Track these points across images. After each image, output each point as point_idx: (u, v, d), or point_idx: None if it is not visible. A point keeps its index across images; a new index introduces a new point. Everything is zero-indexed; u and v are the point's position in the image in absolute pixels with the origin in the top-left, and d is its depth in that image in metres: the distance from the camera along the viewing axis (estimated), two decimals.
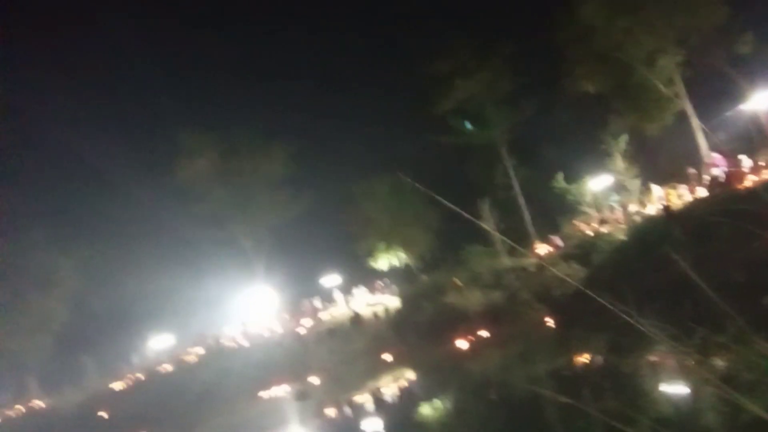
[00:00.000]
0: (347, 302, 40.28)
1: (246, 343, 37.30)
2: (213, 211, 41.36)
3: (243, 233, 42.14)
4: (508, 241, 33.71)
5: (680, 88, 32.12)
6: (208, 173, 40.78)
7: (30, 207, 39.88)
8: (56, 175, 43.83)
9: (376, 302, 38.72)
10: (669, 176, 31.41)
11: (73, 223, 41.45)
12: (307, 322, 38.49)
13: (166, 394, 31.86)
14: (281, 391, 30.72)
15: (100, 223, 41.91)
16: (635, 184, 34.00)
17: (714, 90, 32.17)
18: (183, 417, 28.53)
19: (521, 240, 36.99)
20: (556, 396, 8.32)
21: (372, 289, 41.29)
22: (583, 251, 29.22)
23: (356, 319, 36.52)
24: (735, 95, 31.29)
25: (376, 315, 36.59)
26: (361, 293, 40.86)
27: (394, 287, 40.58)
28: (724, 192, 24.34)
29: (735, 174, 25.63)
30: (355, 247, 41.76)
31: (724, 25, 30.03)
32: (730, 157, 27.77)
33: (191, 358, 37.57)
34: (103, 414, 32.83)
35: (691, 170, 30.07)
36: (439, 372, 25.70)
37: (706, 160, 30.15)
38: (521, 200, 39.89)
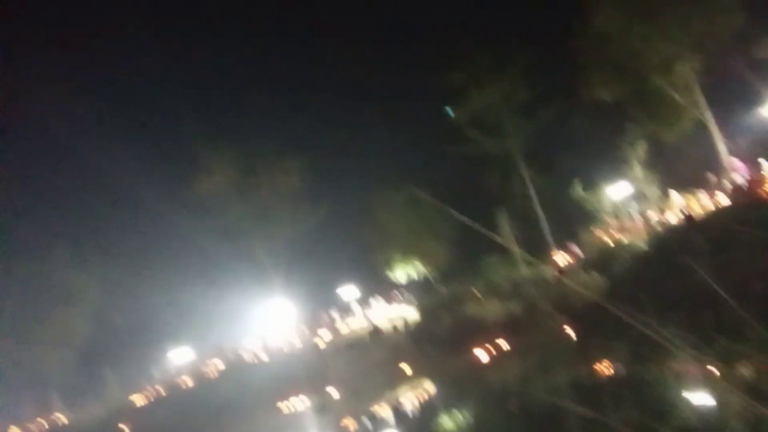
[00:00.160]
0: (365, 314, 40.26)
1: (263, 355, 37.42)
2: (231, 224, 41.63)
3: (261, 246, 42.32)
4: (525, 253, 33.46)
5: (698, 94, 31.81)
6: (227, 187, 41.09)
7: (52, 224, 40.63)
8: (78, 192, 44.51)
9: (394, 314, 38.65)
10: (689, 183, 31.06)
11: (94, 239, 42.08)
12: (325, 335, 38.51)
13: (186, 407, 32.01)
14: (300, 403, 30.71)
15: (120, 238, 42.54)
16: (654, 191, 33.66)
17: (732, 95, 31.85)
18: (203, 430, 28.63)
19: (539, 249, 36.72)
20: (577, 407, 8.24)
21: (390, 301, 41.25)
22: (602, 260, 28.96)
23: (375, 331, 36.47)
24: (754, 100, 30.95)
25: (394, 327, 36.51)
26: (379, 305, 40.81)
27: (412, 298, 40.50)
28: (746, 199, 24.02)
29: (756, 180, 25.29)
30: (372, 258, 41.74)
31: (741, 31, 29.75)
32: (751, 162, 27.42)
33: (211, 371, 37.75)
34: (124, 428, 33.04)
35: (711, 177, 29.72)
36: (459, 383, 25.52)
37: (726, 166, 29.79)
38: (539, 209, 39.60)
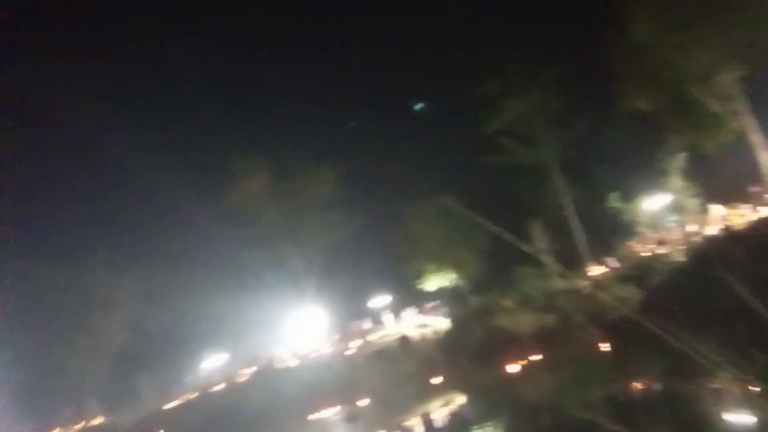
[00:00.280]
0: (397, 324, 40.18)
1: (295, 363, 37.62)
2: (265, 233, 42.10)
3: (294, 255, 42.65)
4: (559, 265, 32.96)
5: (740, 104, 30.98)
6: (260, 196, 41.58)
7: (92, 233, 41.71)
8: (117, 202, 45.59)
9: (426, 324, 38.48)
10: (730, 195, 30.25)
11: (132, 248, 43.00)
12: (356, 344, 38.54)
13: (218, 414, 32.36)
14: (331, 413, 30.74)
15: (158, 247, 43.38)
16: (694, 203, 32.87)
17: None
18: None
19: (574, 261, 36.16)
20: (612, 424, 8.06)
21: (421, 311, 41.09)
22: (639, 273, 28.37)
23: (405, 340, 36.34)
24: None
25: (425, 337, 36.33)
26: (410, 315, 40.69)
27: (444, 309, 40.26)
28: None
29: None
30: (404, 268, 41.65)
31: None
32: None
33: (243, 378, 38.09)
34: None
35: (754, 188, 28.88)
36: (490, 396, 25.23)
37: None
38: (574, 220, 39.02)
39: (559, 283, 32.29)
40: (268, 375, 36.82)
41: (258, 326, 41.29)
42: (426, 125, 46.67)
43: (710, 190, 32.86)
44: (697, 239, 28.83)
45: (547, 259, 32.57)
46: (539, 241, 33.67)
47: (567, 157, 39.55)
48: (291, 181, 42.13)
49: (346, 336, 40.47)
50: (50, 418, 38.16)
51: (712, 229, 28.77)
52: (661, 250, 30.29)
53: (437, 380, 30.84)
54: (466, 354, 31.02)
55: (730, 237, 23.67)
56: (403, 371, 33.11)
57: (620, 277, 29.41)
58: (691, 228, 31.25)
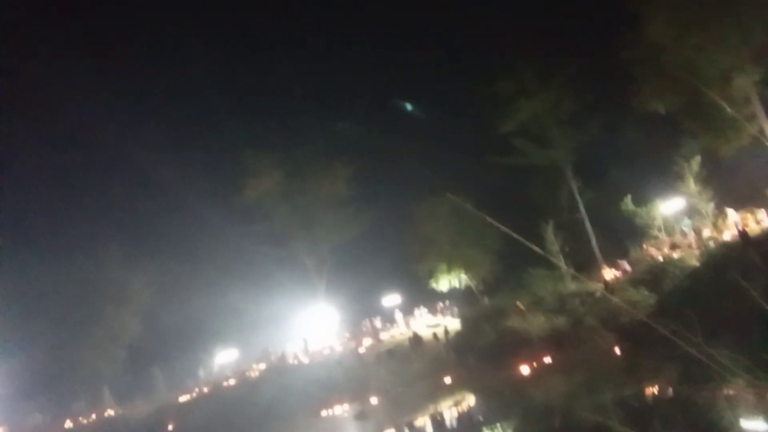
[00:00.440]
0: (407, 323, 40.22)
1: (306, 360, 37.79)
2: (277, 229, 42.37)
3: (305, 252, 42.87)
4: (572, 267, 32.80)
5: (758, 107, 30.65)
6: (273, 192, 41.83)
7: (107, 227, 42.21)
8: (130, 197, 46.13)
9: (437, 323, 38.50)
10: (746, 199, 29.96)
11: (145, 242, 43.46)
12: (367, 342, 38.63)
13: (229, 409, 32.59)
14: (341, 410, 30.86)
15: (171, 242, 43.80)
16: (709, 207, 32.59)
17: None
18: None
19: (587, 264, 35.99)
20: (624, 428, 8.06)
21: (433, 311, 41.10)
22: (652, 277, 28.22)
23: (416, 339, 36.38)
24: None
25: (435, 336, 36.35)
26: (421, 314, 40.72)
27: (455, 309, 40.25)
28: None
29: None
30: (415, 267, 41.69)
31: None
32: None
33: (254, 374, 38.33)
34: (169, 426, 33.82)
35: None
36: (501, 397, 25.18)
37: None
38: (587, 223, 38.81)
39: (571, 286, 32.21)
40: (279, 371, 37.02)
41: (269, 323, 41.58)
42: (439, 124, 46.61)
43: (726, 194, 32.57)
44: (711, 244, 28.60)
45: (560, 261, 32.47)
46: (552, 243, 33.56)
47: (581, 158, 39.34)
48: (303, 178, 42.33)
49: (357, 334, 40.58)
50: (63, 410, 38.60)
51: (728, 234, 28.51)
52: (675, 254, 30.09)
53: (448, 380, 30.84)
54: (477, 354, 31.02)
55: (746, 242, 23.44)
56: (413, 370, 33.17)
57: (633, 281, 29.26)
58: (706, 232, 30.99)
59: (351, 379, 33.07)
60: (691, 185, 33.20)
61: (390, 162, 46.62)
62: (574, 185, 39.38)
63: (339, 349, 38.70)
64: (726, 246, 25.77)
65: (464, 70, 46.23)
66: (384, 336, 39.57)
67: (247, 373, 38.71)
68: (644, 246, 34.20)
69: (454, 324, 37.46)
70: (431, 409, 26.33)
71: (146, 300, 40.89)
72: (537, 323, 30.19)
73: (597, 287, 31.01)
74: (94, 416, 37.89)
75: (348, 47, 58.35)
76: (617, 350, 24.41)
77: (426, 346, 35.80)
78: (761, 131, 30.61)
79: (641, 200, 35.23)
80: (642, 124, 35.54)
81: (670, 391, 15.61)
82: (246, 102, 58.15)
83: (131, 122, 47.78)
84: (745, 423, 10.49)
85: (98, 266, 39.36)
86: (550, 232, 34.67)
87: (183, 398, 37.53)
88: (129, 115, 47.05)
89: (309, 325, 41.62)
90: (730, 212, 29.92)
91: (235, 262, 44.02)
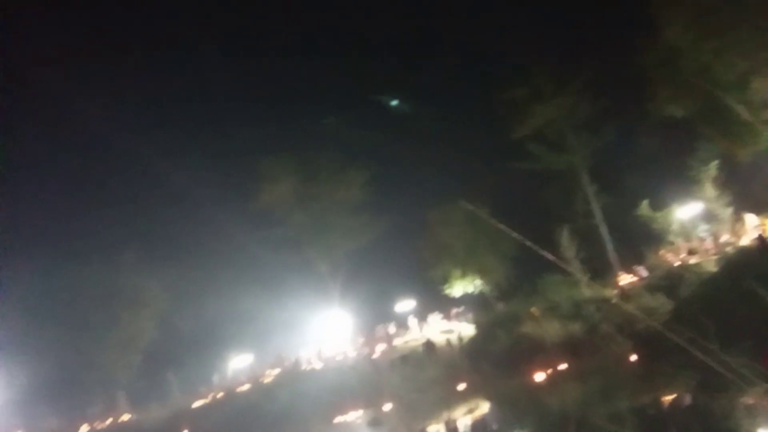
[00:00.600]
0: (421, 329, 40.09)
1: (320, 366, 37.78)
2: (291, 235, 42.48)
3: (320, 257, 42.92)
4: (587, 273, 32.50)
5: None
6: (288, 198, 41.96)
7: (122, 231, 42.61)
8: (146, 202, 46.54)
9: (450, 329, 38.34)
10: (764, 204, 29.58)
11: (161, 247, 43.72)
12: (380, 348, 38.54)
13: (243, 414, 32.64)
14: (354, 416, 30.79)
15: (186, 247, 44.05)
16: (727, 212, 32.20)
17: None
18: None
19: (603, 270, 35.67)
20: None
21: (447, 316, 40.94)
22: (669, 283, 27.91)
23: (429, 345, 36.24)
24: None
25: (449, 342, 36.19)
26: (435, 320, 40.57)
27: (469, 315, 40.06)
28: None
29: None
30: (430, 273, 41.58)
31: None
32: None
33: (268, 379, 38.38)
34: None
35: None
36: (515, 404, 25.01)
37: None
38: (603, 228, 38.49)
39: (587, 292, 31.90)
40: (293, 377, 37.03)
41: (283, 328, 41.60)
42: (454, 130, 46.51)
43: (743, 199, 32.19)
44: (729, 249, 28.23)
45: (575, 267, 32.21)
46: (567, 249, 33.31)
47: (596, 163, 39.08)
48: (318, 184, 42.43)
49: (371, 340, 40.50)
50: (79, 414, 38.87)
51: (746, 239, 28.12)
52: (693, 260, 29.74)
53: (461, 386, 30.66)
54: (491, 361, 30.81)
55: (764, 247, 23.11)
56: (427, 376, 33.02)
57: (650, 287, 28.94)
58: (724, 238, 30.59)
59: (364, 384, 32.98)
60: (709, 190, 32.86)
61: (405, 168, 46.66)
62: (590, 190, 39.10)
63: (353, 354, 38.64)
64: (744, 251, 25.45)
65: (479, 75, 46.20)
66: (397, 342, 39.44)
67: (260, 379, 38.75)
68: (661, 252, 33.83)
69: (468, 330, 37.26)
70: (445, 415, 26.20)
71: (162, 305, 41.12)
72: (552, 330, 29.92)
73: (613, 293, 30.71)
74: (109, 421, 38.09)
75: (363, 53, 58.45)
76: (633, 357, 24.11)
77: (440, 352, 35.64)
78: None
79: (658, 205, 34.89)
80: (658, 128, 35.28)
81: (688, 399, 15.37)
82: (261, 108, 58.38)
83: (146, 128, 48.13)
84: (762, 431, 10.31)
85: (114, 272, 39.65)
86: (565, 238, 34.39)
87: (197, 403, 37.59)
88: (144, 121, 47.50)
89: (323, 331, 41.61)
90: (749, 217, 29.53)
91: (250, 267, 44.19)
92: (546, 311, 31.74)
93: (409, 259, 42.90)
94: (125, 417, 38.34)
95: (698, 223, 34.09)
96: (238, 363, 41.95)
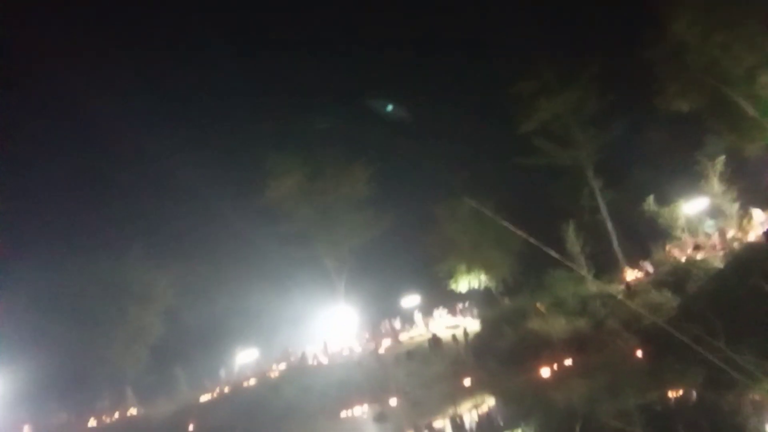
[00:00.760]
0: (427, 324, 40.15)
1: (326, 361, 37.91)
2: (298, 230, 42.58)
3: (326, 253, 43.01)
4: (593, 268, 32.45)
5: None
6: (295, 193, 42.03)
7: (130, 227, 42.84)
8: (154, 198, 46.78)
9: (456, 325, 38.38)
10: None
11: (168, 242, 43.99)
12: (386, 343, 38.63)
13: (249, 409, 32.79)
14: (360, 411, 30.90)
15: (193, 242, 44.29)
16: (734, 208, 32.05)
17: None
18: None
19: (609, 265, 35.62)
20: None
21: (452, 312, 40.98)
22: (675, 279, 27.80)
23: (435, 341, 36.29)
24: None
25: (455, 338, 36.23)
26: (440, 315, 40.62)
27: (475, 310, 40.09)
28: None
29: None
30: (435, 268, 41.64)
31: None
32: None
33: (274, 374, 38.54)
34: (190, 426, 34.12)
35: None
36: (521, 400, 25.00)
37: None
38: (609, 224, 38.40)
39: (592, 287, 31.87)
40: (299, 372, 37.17)
41: (290, 323, 41.78)
42: (460, 125, 46.46)
43: (750, 194, 32.05)
44: (736, 245, 28.12)
45: (581, 263, 32.18)
46: (573, 244, 33.27)
47: (603, 158, 38.96)
48: (324, 179, 42.47)
49: (377, 335, 40.60)
50: (87, 409, 39.15)
51: (752, 235, 28.01)
52: (699, 256, 29.63)
53: (467, 382, 30.72)
54: (497, 356, 30.84)
55: None
56: (432, 372, 33.08)
57: (656, 283, 28.86)
58: (730, 233, 30.48)
59: (370, 380, 33.07)
60: (715, 185, 32.69)
61: (410, 163, 46.65)
62: (596, 185, 39.02)
63: (358, 350, 38.75)
64: (751, 247, 25.32)
65: (486, 70, 46.09)
66: (403, 337, 39.54)
67: (267, 374, 38.92)
68: (667, 247, 33.73)
69: (473, 325, 37.30)
70: (451, 411, 26.24)
71: (169, 300, 41.36)
72: (558, 325, 29.92)
73: (619, 289, 30.65)
74: (117, 415, 38.38)
75: (369, 48, 58.46)
76: (640, 353, 24.07)
77: (445, 348, 35.69)
78: None
79: (664, 200, 34.76)
80: (665, 123, 35.17)
81: (694, 395, 15.36)
82: (268, 104, 58.58)
83: (154, 124, 48.52)
84: None
85: (122, 267, 39.88)
86: (571, 233, 34.37)
87: (204, 398, 37.83)
88: (152, 117, 47.77)
89: (329, 326, 41.73)
90: (756, 212, 29.39)
91: (257, 262, 44.40)
92: (552, 307, 31.73)
93: (415, 254, 43.02)
94: (133, 411, 38.61)
95: (705, 219, 33.96)
96: (245, 358, 42.15)
